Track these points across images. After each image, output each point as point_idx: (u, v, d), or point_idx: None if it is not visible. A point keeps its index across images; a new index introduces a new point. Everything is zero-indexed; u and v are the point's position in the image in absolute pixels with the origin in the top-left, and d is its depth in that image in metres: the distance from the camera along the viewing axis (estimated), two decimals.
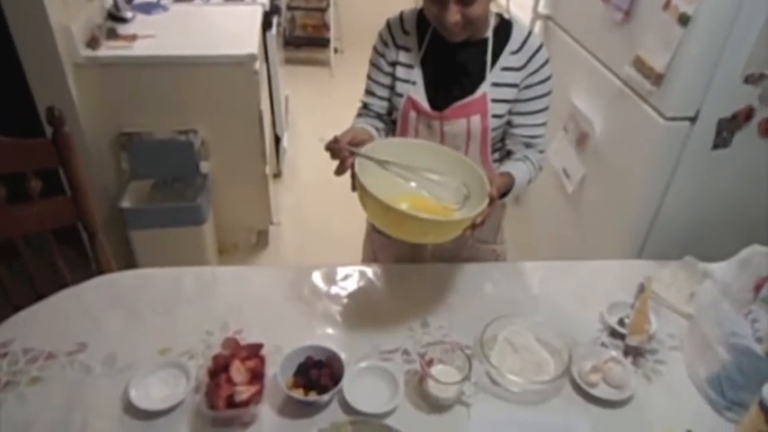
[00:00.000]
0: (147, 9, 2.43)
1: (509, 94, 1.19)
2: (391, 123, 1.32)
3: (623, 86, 1.45)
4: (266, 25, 2.63)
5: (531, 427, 0.97)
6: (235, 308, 1.17)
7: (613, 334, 1.15)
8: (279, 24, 3.17)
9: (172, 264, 1.27)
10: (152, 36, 2.18)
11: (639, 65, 1.35)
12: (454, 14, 1.07)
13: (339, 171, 1.04)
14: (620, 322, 1.16)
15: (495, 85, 1.18)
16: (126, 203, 2.12)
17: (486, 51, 1.18)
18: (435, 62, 1.21)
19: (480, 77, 1.18)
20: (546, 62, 1.19)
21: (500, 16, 1.21)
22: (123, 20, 2.28)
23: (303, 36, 4.65)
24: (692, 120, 1.30)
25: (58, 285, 1.24)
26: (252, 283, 1.25)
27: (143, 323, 1.13)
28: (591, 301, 1.21)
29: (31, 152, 1.24)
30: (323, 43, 4.51)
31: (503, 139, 1.27)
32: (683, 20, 1.22)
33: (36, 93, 1.96)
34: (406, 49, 1.22)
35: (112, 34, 2.14)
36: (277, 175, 3.09)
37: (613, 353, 1.07)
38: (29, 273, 1.29)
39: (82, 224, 1.33)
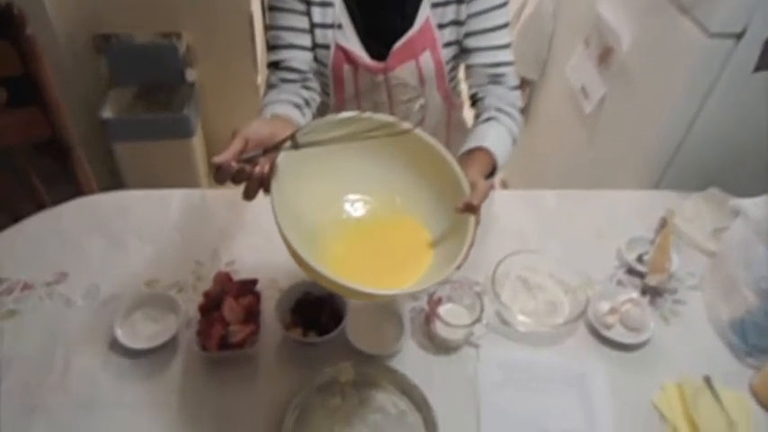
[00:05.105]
0: None
1: (455, 12, 0.99)
2: (320, 88, 1.05)
3: None
4: None
5: (543, 370, 0.92)
6: (226, 236, 1.08)
7: (631, 272, 1.08)
8: None
9: (159, 180, 1.17)
10: None
11: None
12: None
13: (247, 196, 0.71)
14: (639, 259, 1.08)
15: (436, 5, 0.99)
16: (107, 114, 1.97)
17: None
18: None
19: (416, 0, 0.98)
20: None
21: None
22: None
23: None
24: (738, 37, 1.16)
25: (35, 205, 1.14)
26: (246, 209, 1.14)
27: (127, 251, 1.04)
28: (608, 235, 1.13)
29: None
30: None
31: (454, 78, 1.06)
32: None
33: None
34: None
35: None
36: None
37: (634, 294, 1.00)
38: (0, 192, 1.18)
39: (56, 138, 1.21)
